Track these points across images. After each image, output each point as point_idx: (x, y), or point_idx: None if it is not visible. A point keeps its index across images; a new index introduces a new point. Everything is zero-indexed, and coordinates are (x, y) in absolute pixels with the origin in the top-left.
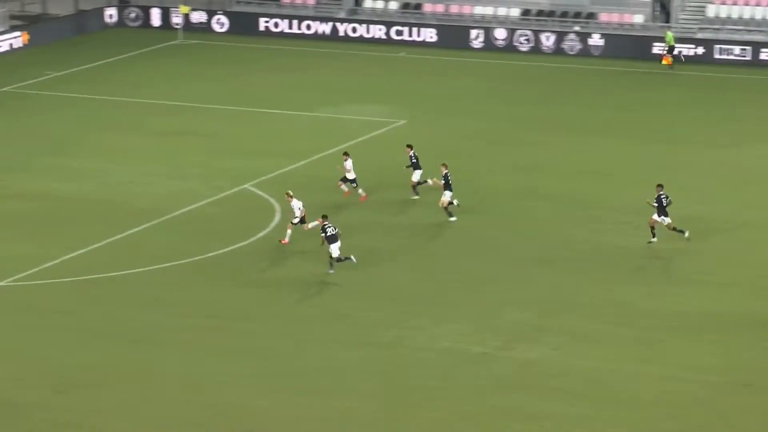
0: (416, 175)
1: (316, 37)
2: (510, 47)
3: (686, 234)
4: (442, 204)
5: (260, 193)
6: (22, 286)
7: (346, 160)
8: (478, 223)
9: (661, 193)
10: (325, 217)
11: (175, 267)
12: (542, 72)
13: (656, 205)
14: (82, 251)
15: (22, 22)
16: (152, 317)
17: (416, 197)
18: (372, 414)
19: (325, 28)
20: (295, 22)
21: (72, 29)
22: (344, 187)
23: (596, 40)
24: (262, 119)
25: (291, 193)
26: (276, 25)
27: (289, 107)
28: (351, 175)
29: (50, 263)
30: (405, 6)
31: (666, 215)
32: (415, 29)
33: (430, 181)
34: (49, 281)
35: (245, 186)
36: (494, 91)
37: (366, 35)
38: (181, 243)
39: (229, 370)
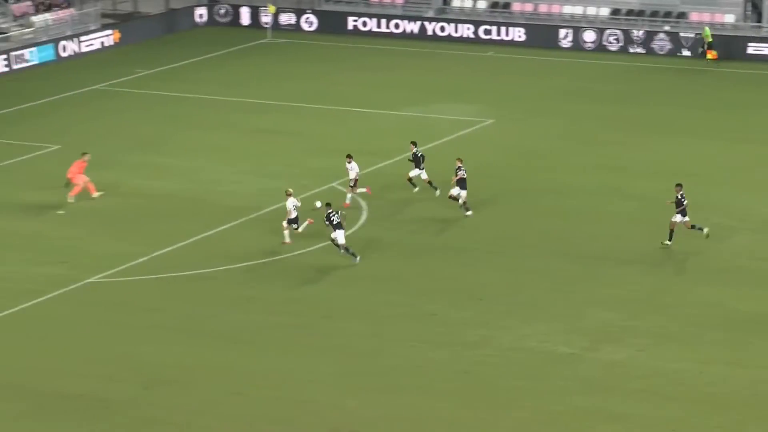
0: (414, 172)
1: (404, 36)
2: (599, 47)
3: (705, 231)
4: (452, 196)
5: (345, 191)
6: (111, 283)
7: (349, 162)
8: (563, 222)
9: (681, 192)
10: (328, 205)
11: (262, 265)
12: (631, 71)
13: (676, 204)
14: (170, 248)
15: (113, 20)
16: (240, 315)
17: (416, 190)
18: (457, 413)
19: (414, 27)
20: (383, 21)
21: (162, 28)
22: (354, 192)
23: (686, 39)
24: (350, 118)
25: (291, 191)
26: (364, 24)
27: (377, 106)
28: (352, 175)
29: (139, 260)
30: (494, 5)
31: (684, 215)
32: (503, 28)
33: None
34: (139, 278)
35: (332, 184)
36: (582, 90)
37: (454, 34)
38: (268, 241)
39: (314, 369)
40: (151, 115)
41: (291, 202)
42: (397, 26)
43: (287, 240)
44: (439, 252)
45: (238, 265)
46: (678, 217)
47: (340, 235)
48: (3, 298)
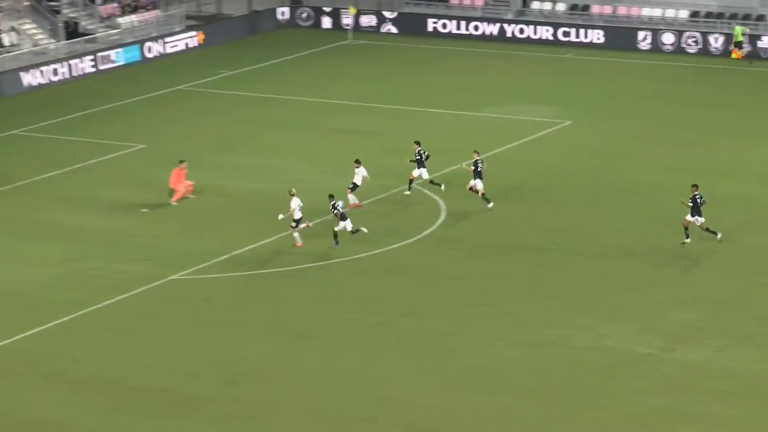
0: (416, 172)
1: (484, 38)
2: (678, 49)
3: (718, 236)
4: (471, 188)
5: (426, 191)
6: (194, 280)
7: (357, 167)
8: (640, 223)
9: (696, 193)
10: (331, 196)
11: (343, 263)
12: (709, 74)
13: (691, 204)
14: (251, 246)
15: (197, 22)
16: (321, 313)
17: (408, 193)
18: (534, 412)
19: (493, 29)
20: (462, 23)
21: (245, 29)
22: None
23: (766, 42)
24: (430, 119)
25: (294, 191)
26: (444, 26)
27: (455, 107)
28: (357, 180)
29: (221, 258)
30: (572, 7)
31: (700, 215)
32: (582, 30)
33: (464, 165)
34: (220, 275)
35: (412, 184)
36: (661, 92)
37: (533, 36)
38: (350, 239)
39: (395, 366)
40: (234, 116)
41: (295, 203)
42: (476, 28)
43: (299, 243)
44: (516, 252)
45: (318, 264)
46: (696, 219)
47: (348, 225)
48: (89, 294)
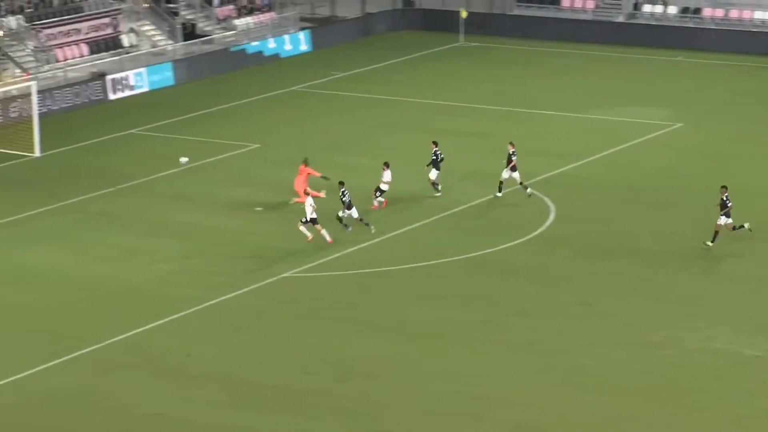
0: (433, 174)
1: (594, 40)
2: None
3: (747, 225)
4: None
5: (535, 192)
6: (307, 278)
7: (385, 170)
8: (752, 226)
9: (726, 194)
10: (341, 183)
11: (452, 263)
12: None
13: (726, 206)
14: (362, 245)
15: (311, 24)
16: (430, 311)
17: (438, 194)
18: (641, 413)
19: (603, 31)
20: (573, 25)
21: (358, 31)
22: (377, 201)
23: None
24: (539, 120)
25: (309, 191)
26: (555, 28)
27: (565, 109)
28: (384, 186)
29: (332, 256)
30: (684, 10)
31: (728, 216)
32: (693, 33)
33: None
34: (331, 273)
35: (519, 185)
36: None
37: (644, 39)
38: (459, 239)
39: (501, 365)
40: (347, 116)
41: (308, 202)
42: (587, 30)
43: (328, 239)
44: (625, 253)
45: (429, 263)
46: (722, 219)
47: (353, 212)
48: (204, 291)
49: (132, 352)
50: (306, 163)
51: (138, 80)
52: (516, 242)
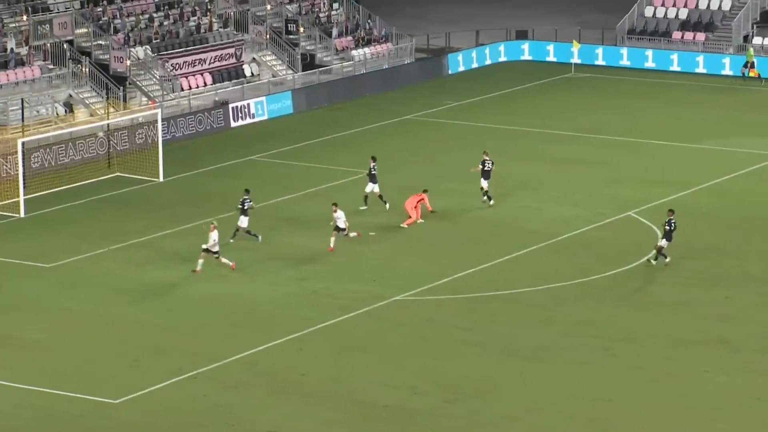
0: (369, 187)
1: (704, 71)
2: None
3: (653, 262)
4: (482, 188)
5: (643, 220)
6: (420, 301)
7: (335, 211)
8: None
9: (671, 218)
10: (247, 191)
11: (562, 287)
12: None
13: (666, 228)
14: (473, 269)
15: (426, 54)
16: (541, 335)
17: (364, 207)
18: None
19: (713, 63)
20: (683, 57)
21: (470, 62)
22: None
23: None
24: (650, 149)
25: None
26: (665, 59)
27: (676, 138)
28: (340, 224)
29: (443, 280)
30: None
31: (669, 239)
32: None
33: (471, 169)
34: (443, 297)
35: (629, 213)
36: None
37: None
38: (567, 265)
39: (610, 388)
40: (461, 144)
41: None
42: (697, 62)
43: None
44: (737, 280)
45: (539, 288)
46: (663, 241)
47: (243, 221)
48: (319, 312)
49: (250, 370)
50: (425, 191)
51: (258, 108)
52: (624, 268)
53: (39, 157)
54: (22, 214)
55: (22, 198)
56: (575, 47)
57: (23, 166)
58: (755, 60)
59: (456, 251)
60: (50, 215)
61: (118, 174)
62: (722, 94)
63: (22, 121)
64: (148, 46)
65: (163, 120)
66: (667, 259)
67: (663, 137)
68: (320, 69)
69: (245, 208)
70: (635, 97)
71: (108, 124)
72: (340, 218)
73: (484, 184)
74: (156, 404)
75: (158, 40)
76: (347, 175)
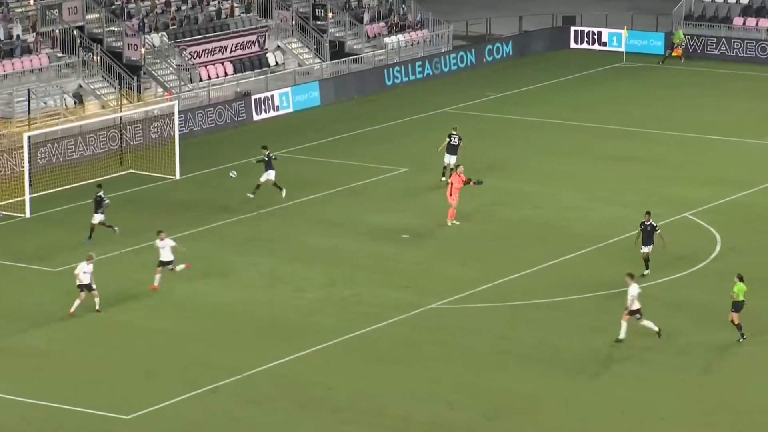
0: (265, 176)
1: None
2: None
3: (645, 273)
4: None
5: (700, 222)
6: (456, 309)
7: (162, 239)
8: None
9: (645, 220)
10: (99, 186)
11: (611, 295)
12: None
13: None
14: (516, 275)
15: (466, 42)
16: (588, 346)
17: (251, 196)
18: None
19: None
20: (746, 45)
21: (515, 50)
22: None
23: None
24: (708, 146)
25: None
26: (726, 47)
27: (738, 134)
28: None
29: (484, 286)
30: None
31: (648, 244)
32: None
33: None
34: (483, 305)
35: (685, 214)
36: None
37: None
38: (617, 271)
39: (663, 404)
40: (502, 139)
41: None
42: (763, 50)
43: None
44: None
45: (586, 295)
46: (645, 248)
47: (97, 218)
48: (349, 321)
49: (275, 383)
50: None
51: (283, 100)
52: (680, 275)
53: (46, 152)
54: (28, 214)
55: (27, 196)
56: (626, 35)
57: (29, 162)
58: (684, 41)
59: (497, 255)
60: (57, 215)
61: (132, 171)
62: None
63: (29, 113)
64: (164, 33)
65: (180, 113)
66: (646, 272)
67: (722, 132)
68: (350, 58)
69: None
70: (692, 89)
71: (121, 117)
72: (165, 248)
73: (450, 160)
74: (171, 420)
75: (175, 27)
76: (379, 173)
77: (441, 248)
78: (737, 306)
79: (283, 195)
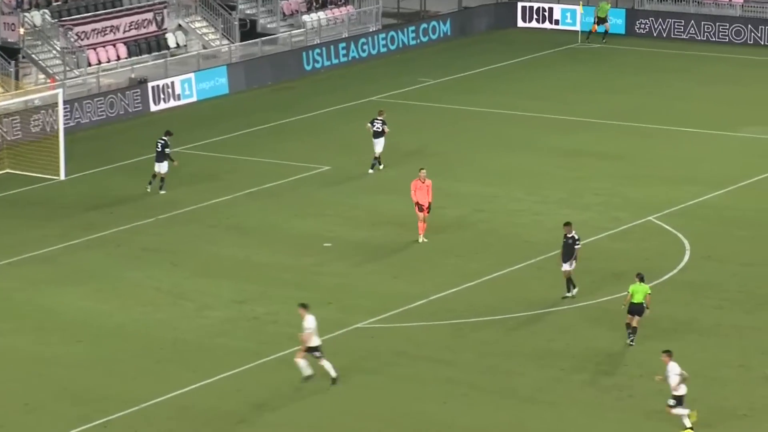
0: (158, 166)
1: (745, 42)
2: None
3: (572, 293)
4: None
5: (666, 226)
6: (388, 329)
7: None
8: None
9: (566, 232)
10: None
11: (567, 311)
12: None
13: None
14: (458, 288)
15: (396, 20)
16: (542, 370)
17: (149, 188)
18: None
19: (759, 32)
20: (720, 25)
21: (455, 29)
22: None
23: None
24: (677, 139)
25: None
26: (695, 28)
27: (711, 125)
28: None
29: (422, 301)
30: None
31: (568, 261)
32: None
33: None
34: (422, 323)
35: (649, 218)
36: None
37: None
38: (576, 283)
39: None
40: (440, 133)
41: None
42: (737, 33)
43: None
44: None
45: (539, 311)
46: (566, 266)
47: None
48: (263, 343)
49: (177, 415)
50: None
51: (185, 88)
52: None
53: None
54: None
55: None
56: (581, 10)
57: None
58: (608, 16)
59: (435, 266)
60: None
61: (9, 171)
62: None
63: None
64: (46, 11)
65: (65, 103)
66: (575, 290)
67: (693, 124)
68: (263, 38)
69: None
70: (658, 74)
71: None
72: (311, 328)
73: (376, 149)
74: None
75: (59, 3)
76: (299, 171)
77: (370, 258)
78: (633, 309)
79: (149, 188)
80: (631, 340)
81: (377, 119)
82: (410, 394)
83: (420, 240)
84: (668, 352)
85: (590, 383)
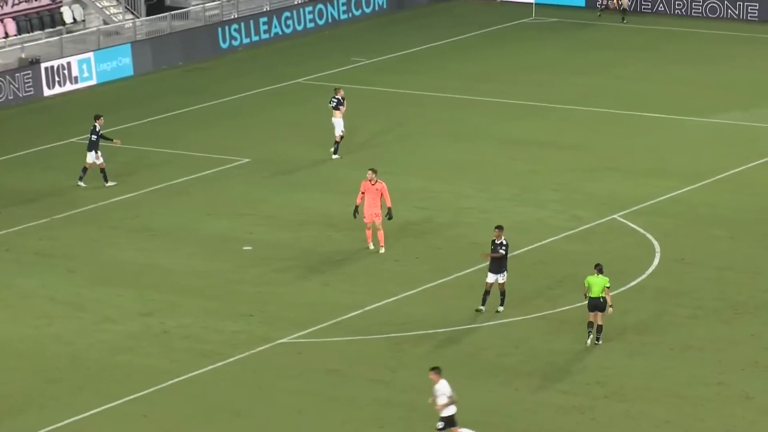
0: (90, 157)
1: (727, 18)
2: None
3: (499, 309)
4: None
5: (633, 225)
6: (317, 344)
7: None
8: None
9: (495, 238)
10: None
11: (520, 323)
12: None
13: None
14: (396, 298)
15: None
16: (492, 390)
17: (82, 184)
18: None
19: (733, 7)
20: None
21: (391, 1)
22: None
23: None
24: (644, 126)
25: None
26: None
27: (681, 110)
28: None
29: (356, 312)
30: None
31: (498, 272)
32: None
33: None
34: (355, 337)
35: (614, 216)
36: None
37: None
38: (527, 291)
39: None
40: (377, 120)
41: None
42: (713, 9)
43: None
44: (763, 310)
45: (488, 323)
46: (491, 276)
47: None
48: (173, 361)
49: None
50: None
51: (84, 69)
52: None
53: None
54: None
55: None
56: None
57: None
58: None
59: (370, 272)
60: None
61: None
62: (753, 49)
63: None
64: None
65: None
66: (501, 308)
67: (661, 109)
68: (173, 12)
69: None
70: (625, 52)
71: None
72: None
73: (337, 133)
74: None
75: None
76: (214, 165)
77: (296, 264)
78: (593, 304)
79: (81, 184)
80: (596, 339)
81: (335, 97)
82: (343, 417)
83: (380, 250)
84: (437, 369)
85: (547, 404)
